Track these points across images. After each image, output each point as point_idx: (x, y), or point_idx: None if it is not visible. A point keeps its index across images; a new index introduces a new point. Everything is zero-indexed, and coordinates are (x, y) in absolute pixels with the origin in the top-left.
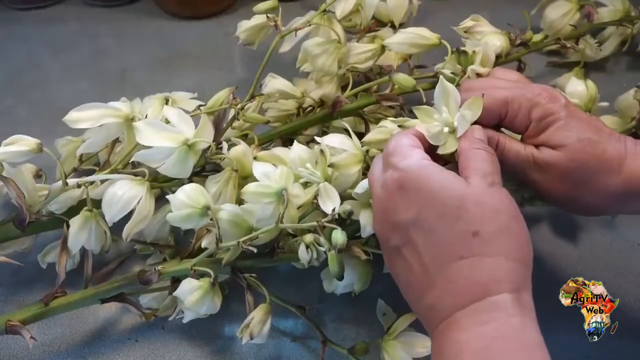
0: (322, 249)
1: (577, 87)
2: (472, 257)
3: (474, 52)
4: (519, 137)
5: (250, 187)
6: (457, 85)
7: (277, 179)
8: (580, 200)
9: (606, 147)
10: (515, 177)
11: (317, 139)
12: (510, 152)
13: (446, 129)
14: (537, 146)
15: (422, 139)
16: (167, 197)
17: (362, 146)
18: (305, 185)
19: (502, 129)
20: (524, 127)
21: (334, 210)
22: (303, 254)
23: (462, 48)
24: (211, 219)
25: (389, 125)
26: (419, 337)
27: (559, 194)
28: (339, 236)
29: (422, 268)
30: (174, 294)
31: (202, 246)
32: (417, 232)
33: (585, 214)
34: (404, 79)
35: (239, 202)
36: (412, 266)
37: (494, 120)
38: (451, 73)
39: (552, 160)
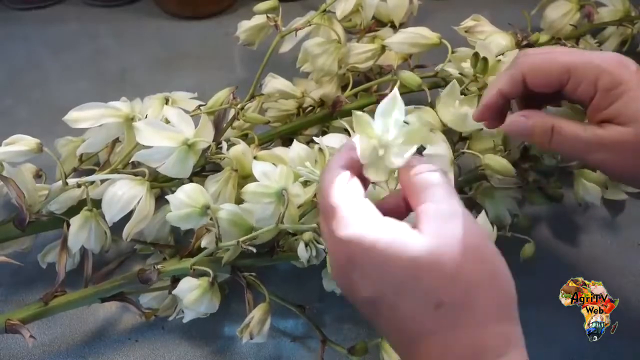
0: (321, 247)
1: None
2: (441, 332)
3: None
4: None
5: (250, 187)
6: (466, 89)
7: (277, 178)
8: None
9: None
10: (573, 159)
11: (316, 139)
12: (568, 136)
13: (380, 151)
14: (601, 122)
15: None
16: (166, 197)
17: None
18: (305, 184)
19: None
20: (589, 98)
21: None
22: (302, 252)
23: (483, 55)
24: (211, 219)
25: None
26: None
27: (632, 173)
28: None
29: (394, 344)
30: (173, 292)
31: (202, 245)
32: (379, 309)
33: None
34: (410, 77)
35: (239, 201)
36: (386, 335)
37: (553, 88)
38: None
39: (622, 139)
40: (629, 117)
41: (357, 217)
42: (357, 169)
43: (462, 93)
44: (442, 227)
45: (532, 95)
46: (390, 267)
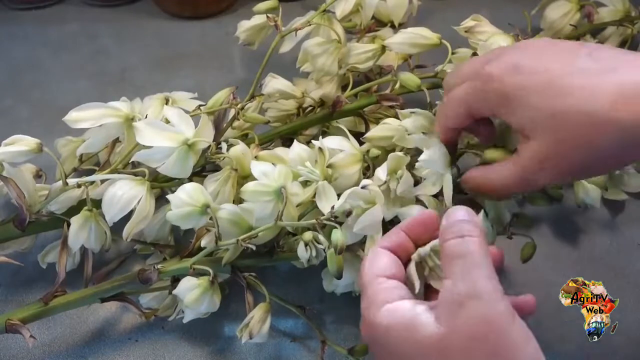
0: (321, 247)
1: None
2: None
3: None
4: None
5: (249, 185)
6: None
7: (276, 177)
8: (589, 170)
9: (587, 106)
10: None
11: (315, 142)
12: (497, 183)
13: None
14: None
15: (400, 246)
16: (167, 196)
17: (364, 142)
18: (305, 184)
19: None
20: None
21: (332, 207)
22: (302, 252)
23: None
24: (210, 218)
25: (392, 122)
26: None
27: (565, 178)
28: (338, 236)
29: None
30: (174, 292)
31: (202, 245)
32: None
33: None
34: (409, 78)
35: (238, 201)
36: None
37: (467, 124)
38: None
39: (540, 157)
40: (529, 129)
41: (378, 299)
42: (401, 251)
43: None
44: (455, 312)
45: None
46: (404, 355)
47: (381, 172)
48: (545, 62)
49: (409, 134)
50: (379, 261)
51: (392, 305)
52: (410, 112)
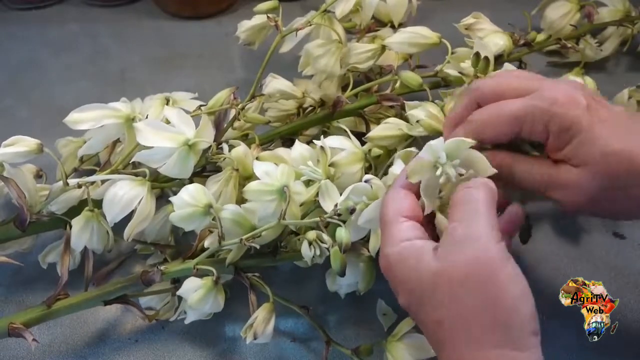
0: (324, 245)
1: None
2: (448, 346)
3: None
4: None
5: (252, 185)
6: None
7: (279, 176)
8: (611, 210)
9: (637, 154)
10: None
11: (316, 142)
12: (522, 175)
13: (438, 171)
14: (557, 162)
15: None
16: (169, 198)
17: (366, 142)
18: (307, 183)
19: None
20: (545, 140)
21: (336, 205)
22: (306, 251)
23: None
24: (213, 219)
25: (393, 121)
26: (423, 340)
27: (585, 208)
28: (343, 234)
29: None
30: (178, 293)
31: (205, 246)
32: (412, 314)
33: (617, 219)
34: (411, 77)
35: (240, 201)
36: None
37: (508, 138)
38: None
39: (573, 180)
40: (580, 160)
41: (394, 237)
42: (415, 189)
43: None
44: (451, 251)
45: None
46: (408, 283)
47: (397, 167)
48: (607, 110)
49: (417, 121)
50: (401, 201)
51: (409, 242)
52: (419, 103)
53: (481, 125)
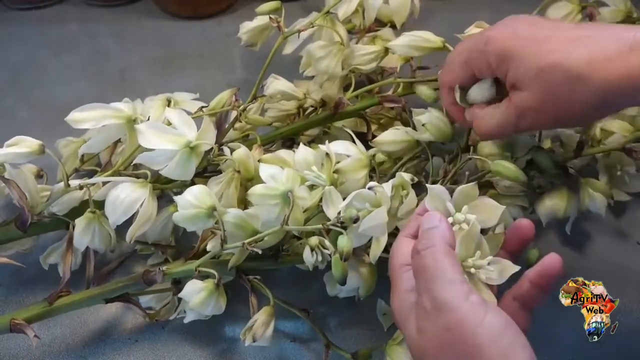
0: (327, 251)
1: None
2: None
3: None
4: None
5: (256, 189)
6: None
7: (284, 180)
8: (569, 120)
9: (569, 63)
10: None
11: (321, 147)
12: (486, 122)
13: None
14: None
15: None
16: (174, 197)
17: (372, 147)
18: (311, 188)
19: None
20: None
21: (339, 213)
22: (308, 257)
23: None
24: (216, 222)
25: (402, 127)
26: None
27: (548, 125)
28: (344, 243)
29: None
30: (180, 295)
31: (207, 249)
32: None
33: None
34: (426, 90)
35: (241, 202)
36: None
37: (470, 81)
38: None
39: (524, 105)
40: (522, 82)
41: (399, 288)
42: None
43: None
44: (424, 325)
45: None
46: (453, 338)
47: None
48: (535, 30)
49: (422, 124)
50: (401, 250)
51: (403, 295)
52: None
53: (445, 75)
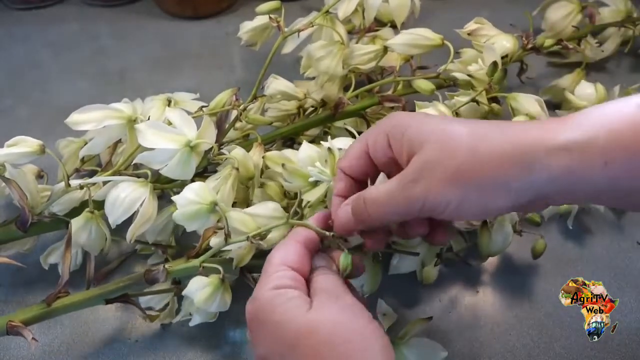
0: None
1: (586, 89)
2: None
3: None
4: None
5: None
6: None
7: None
8: (471, 180)
9: (476, 128)
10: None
11: (324, 143)
12: (382, 199)
13: None
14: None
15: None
16: (172, 197)
17: None
18: (315, 184)
19: None
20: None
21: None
22: None
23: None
24: (218, 220)
25: None
26: (431, 344)
27: (448, 193)
28: (347, 262)
29: None
30: (184, 292)
31: (211, 244)
32: None
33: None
34: (423, 84)
35: (244, 202)
36: None
37: (371, 173)
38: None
39: (417, 166)
40: (416, 143)
41: (271, 282)
42: (312, 247)
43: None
44: (327, 308)
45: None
46: (279, 334)
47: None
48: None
49: None
50: (290, 252)
51: (282, 292)
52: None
53: (339, 161)
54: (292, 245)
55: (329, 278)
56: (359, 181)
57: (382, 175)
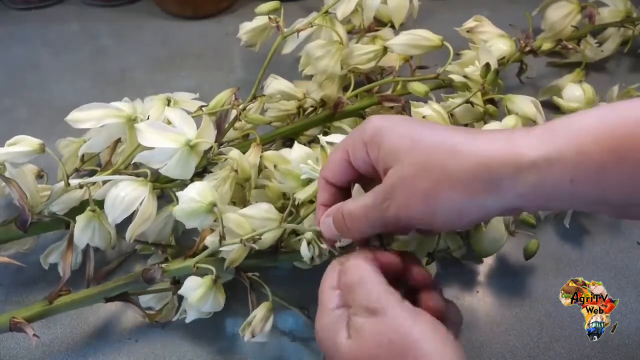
0: (324, 246)
1: (574, 92)
2: None
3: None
4: None
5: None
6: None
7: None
8: (440, 200)
9: (446, 134)
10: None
11: (320, 137)
12: (358, 210)
13: None
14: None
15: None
16: (177, 193)
17: None
18: (307, 182)
19: None
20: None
21: None
22: (305, 251)
23: (485, 59)
24: (215, 221)
25: None
26: None
27: (419, 210)
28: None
29: None
30: (179, 292)
31: (206, 245)
32: None
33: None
34: (418, 86)
35: (241, 203)
36: None
37: (349, 182)
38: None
39: (391, 182)
40: (392, 156)
41: (324, 306)
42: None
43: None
44: (357, 332)
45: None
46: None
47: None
48: (413, 121)
49: (423, 117)
50: (332, 273)
51: (330, 312)
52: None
53: (322, 176)
54: (337, 266)
55: None
56: (343, 188)
57: (357, 187)
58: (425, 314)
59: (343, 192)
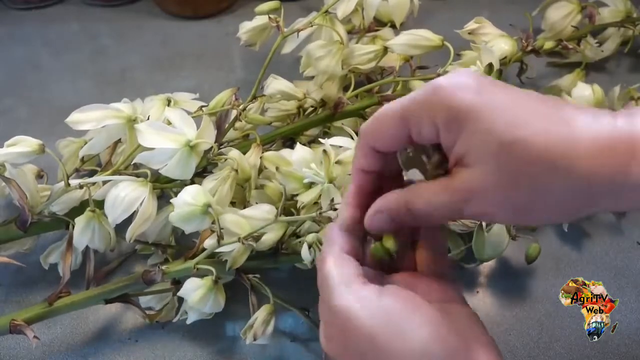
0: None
1: (584, 91)
2: None
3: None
4: None
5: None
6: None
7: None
8: (532, 215)
9: (546, 141)
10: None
11: (322, 140)
12: (426, 207)
13: None
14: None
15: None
16: (171, 200)
17: None
18: (309, 186)
19: None
20: (438, 141)
21: (332, 200)
22: (305, 254)
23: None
24: (212, 222)
25: None
26: None
27: (504, 218)
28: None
29: None
30: (178, 293)
31: (204, 246)
32: None
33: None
34: (418, 86)
35: (241, 203)
36: None
37: (404, 142)
38: None
39: (470, 187)
40: (475, 155)
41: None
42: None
43: None
44: (327, 333)
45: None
46: (350, 337)
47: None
48: (504, 91)
49: None
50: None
51: (353, 293)
52: None
53: (372, 133)
54: (342, 259)
55: None
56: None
57: (418, 175)
58: (392, 293)
59: (385, 158)
